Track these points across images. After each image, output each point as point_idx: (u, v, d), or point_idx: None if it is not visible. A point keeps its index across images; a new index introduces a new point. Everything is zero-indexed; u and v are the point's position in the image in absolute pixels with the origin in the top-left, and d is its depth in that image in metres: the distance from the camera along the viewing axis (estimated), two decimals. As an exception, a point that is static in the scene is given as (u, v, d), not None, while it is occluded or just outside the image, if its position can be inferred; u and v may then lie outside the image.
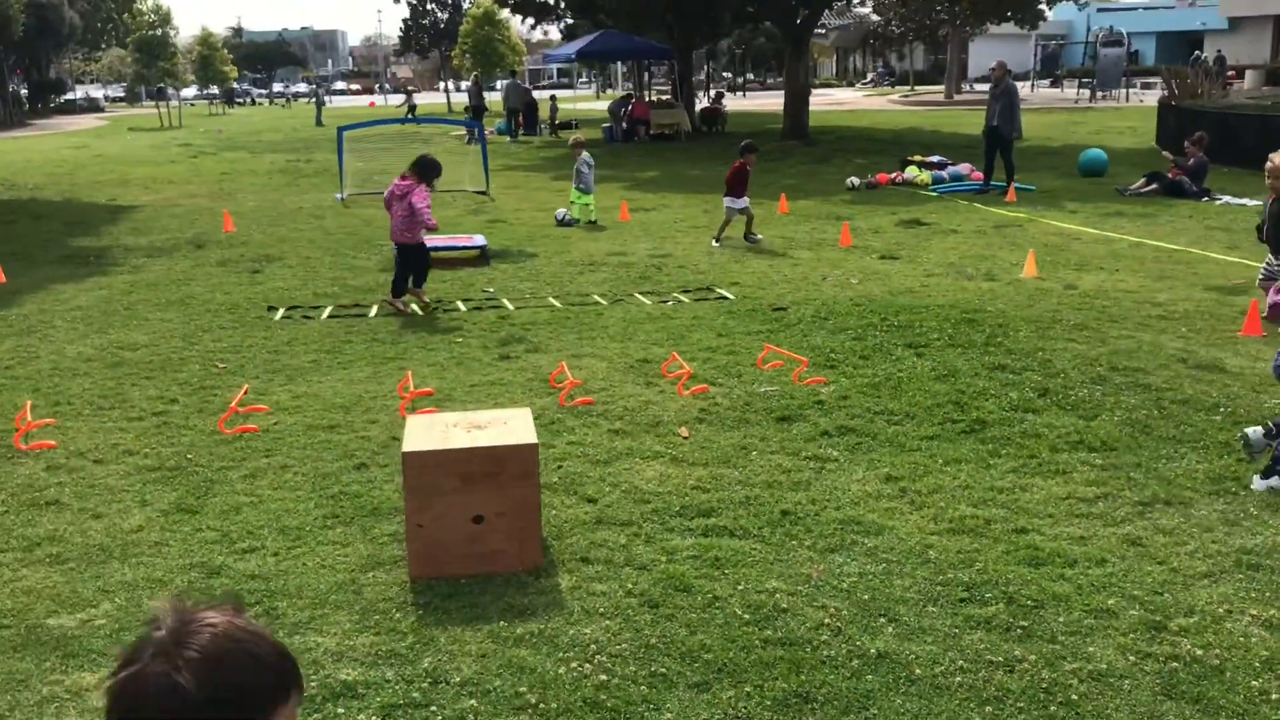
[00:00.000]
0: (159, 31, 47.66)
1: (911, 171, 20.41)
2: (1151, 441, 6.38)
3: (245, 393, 7.47)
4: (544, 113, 35.49)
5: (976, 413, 6.91)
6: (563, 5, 42.06)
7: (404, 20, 57.21)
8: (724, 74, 77.22)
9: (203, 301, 10.93)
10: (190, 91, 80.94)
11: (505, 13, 49.46)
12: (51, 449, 6.65)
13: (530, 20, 45.29)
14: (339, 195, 19.42)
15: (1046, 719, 3.74)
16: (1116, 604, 4.50)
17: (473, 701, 3.87)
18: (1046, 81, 64.12)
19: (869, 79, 76.01)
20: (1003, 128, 18.26)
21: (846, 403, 7.20)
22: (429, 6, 56.39)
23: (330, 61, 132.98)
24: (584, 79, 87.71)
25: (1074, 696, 3.85)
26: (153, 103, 51.73)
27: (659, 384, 7.74)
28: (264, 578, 4.88)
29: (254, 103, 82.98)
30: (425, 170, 10.28)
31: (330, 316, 10.16)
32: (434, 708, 3.84)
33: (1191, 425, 6.63)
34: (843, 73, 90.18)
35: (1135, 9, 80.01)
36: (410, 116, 41.80)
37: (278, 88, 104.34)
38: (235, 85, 71.43)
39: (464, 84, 73.55)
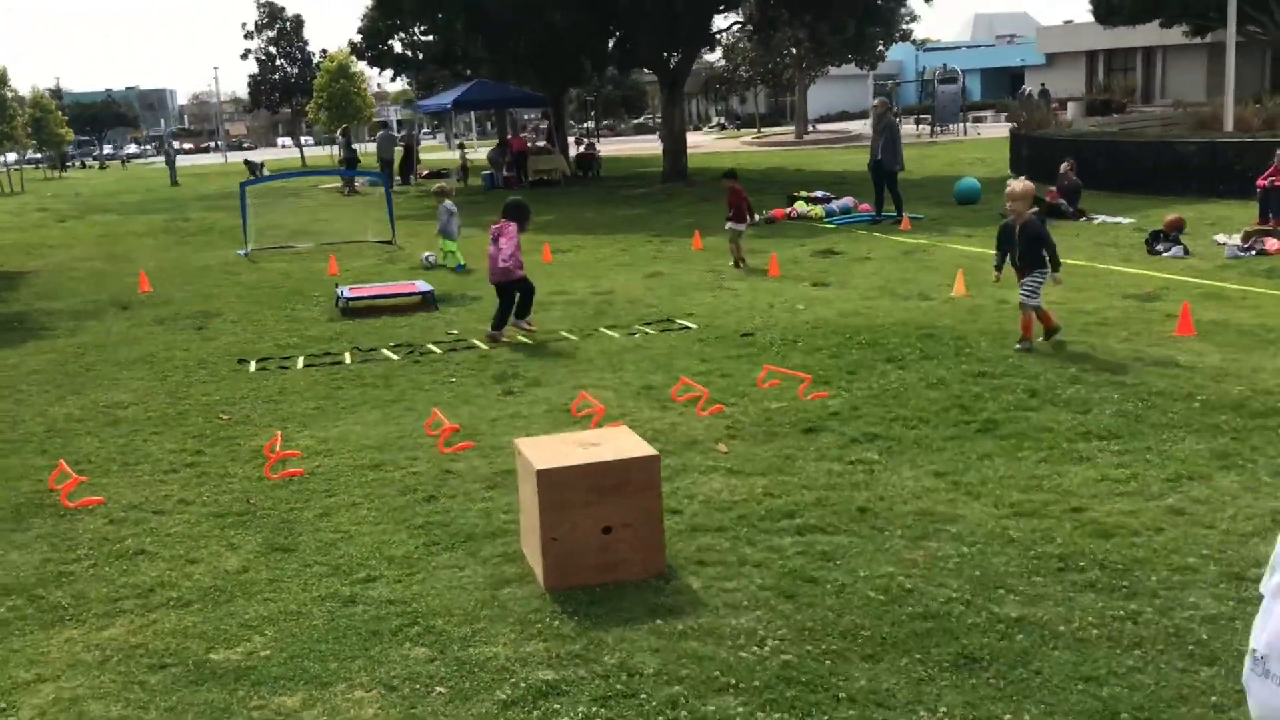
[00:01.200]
0: (-4, 94, 45.91)
1: (803, 206, 21.27)
2: (1149, 429, 7.04)
3: (279, 440, 7.54)
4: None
5: (983, 414, 7.49)
6: (420, 56, 42.27)
7: (251, 76, 56.30)
8: (573, 122, 78.04)
9: (165, 359, 10.83)
10: (10, 156, 77.78)
11: (360, 65, 49.29)
12: (101, 504, 6.64)
13: (389, 72, 45.35)
14: (242, 251, 19.22)
15: (1187, 657, 4.24)
16: (1195, 562, 5.06)
17: (676, 688, 4.17)
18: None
19: (715, 123, 77.92)
20: (886, 161, 19.28)
21: (859, 413, 7.69)
22: (278, 62, 55.65)
23: (162, 121, 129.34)
24: (426, 130, 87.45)
25: (1203, 636, 4.37)
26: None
27: (675, 407, 8.11)
28: (402, 602, 5.06)
29: (83, 165, 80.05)
30: (515, 213, 10.57)
31: (307, 365, 10.21)
32: (643, 695, 4.12)
33: (1175, 413, 7.33)
34: (684, 117, 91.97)
35: (958, 48, 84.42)
36: (258, 176, 41.27)
37: (108, 149, 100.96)
38: (69, 149, 68.88)
39: (305, 139, 72.49)
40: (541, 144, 33.20)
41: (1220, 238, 15.05)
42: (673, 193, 27.17)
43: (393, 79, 45.89)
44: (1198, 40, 56.03)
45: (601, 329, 11.23)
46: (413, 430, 7.89)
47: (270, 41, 55.70)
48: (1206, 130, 24.84)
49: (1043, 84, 65.16)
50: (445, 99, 31.86)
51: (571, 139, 40.73)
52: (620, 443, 5.38)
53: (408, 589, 5.21)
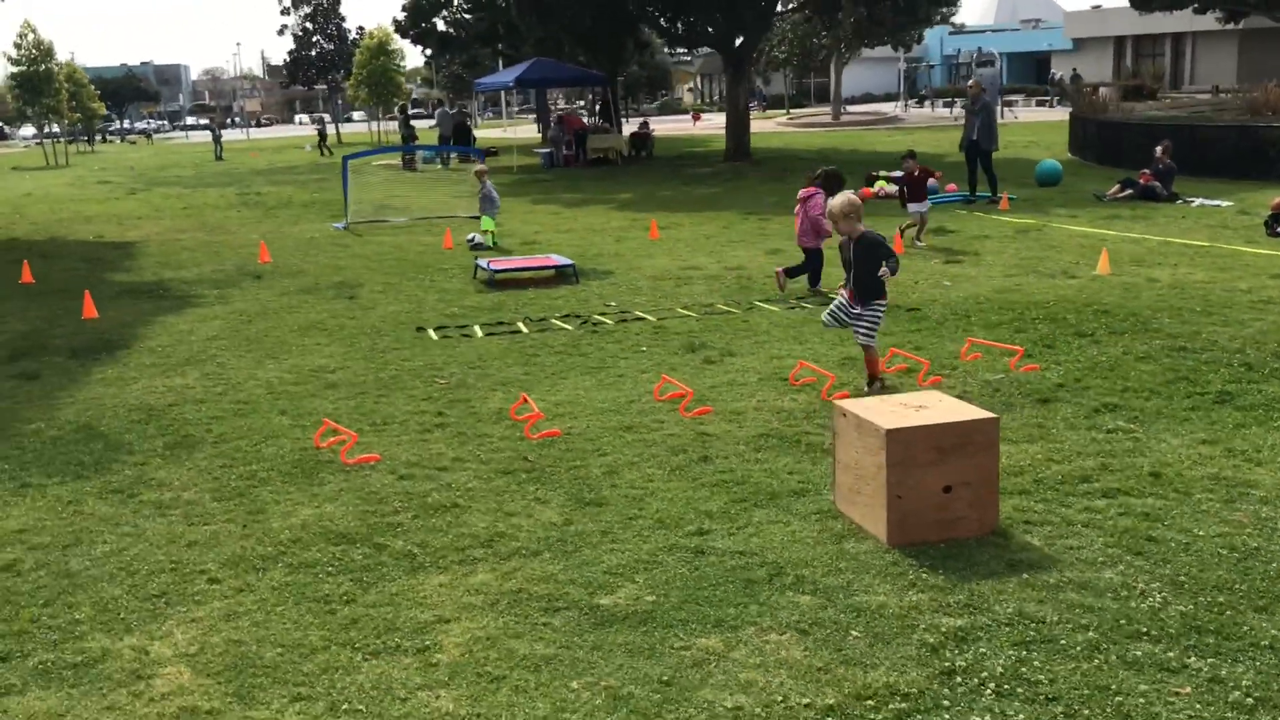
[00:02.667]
0: (41, 67, 45.88)
1: (887, 186, 21.38)
2: (1385, 401, 7.21)
3: (525, 400, 7.72)
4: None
5: (1211, 386, 7.66)
6: (465, 35, 42.32)
7: (289, 52, 56.34)
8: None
9: (337, 327, 10.99)
10: (28, 130, 77.75)
11: (400, 43, 49.36)
12: (378, 460, 6.82)
13: (429, 51, 45.41)
14: (340, 224, 19.37)
15: None
16: None
17: (1090, 634, 4.35)
18: (913, 102, 66.84)
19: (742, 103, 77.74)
20: (983, 141, 19.41)
21: (1084, 385, 7.85)
22: (314, 39, 55.66)
23: (181, 96, 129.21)
24: (450, 109, 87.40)
25: None
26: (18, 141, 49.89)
27: (890, 378, 8.27)
28: (752, 553, 5.25)
29: (104, 140, 79.95)
30: (828, 180, 10.94)
31: (487, 335, 10.38)
32: (1061, 641, 4.31)
33: (1402, 387, 7.50)
34: (708, 98, 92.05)
35: (984, 31, 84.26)
36: (323, 148, 41.38)
37: (129, 124, 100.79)
38: (99, 123, 68.91)
39: (321, 116, 72.36)
40: (602, 123, 33.21)
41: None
42: (740, 171, 27.28)
43: (432, 57, 45.77)
44: (1230, 26, 56.01)
45: (757, 303, 11.38)
46: (640, 395, 8.06)
47: (307, 17, 55.61)
48: (1260, 115, 24.87)
49: (1074, 69, 65.16)
50: (507, 77, 31.94)
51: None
52: (948, 405, 5.55)
53: (747, 542, 5.39)
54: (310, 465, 6.81)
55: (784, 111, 65.55)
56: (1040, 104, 62.59)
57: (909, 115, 57.07)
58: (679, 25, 31.00)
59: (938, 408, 5.49)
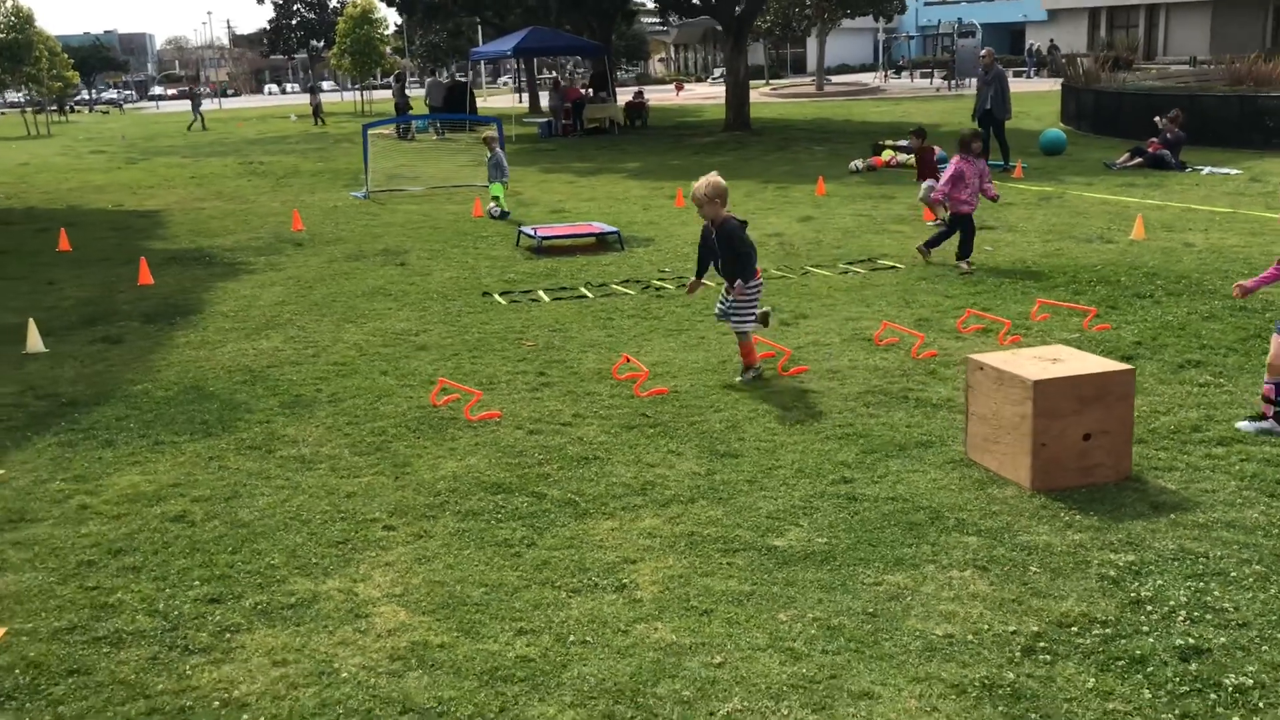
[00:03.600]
0: (21, 35, 45.26)
1: (895, 154, 21.66)
2: None
3: (626, 360, 7.94)
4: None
5: (1284, 343, 7.97)
6: (453, 4, 42.10)
7: (269, 21, 55.82)
8: (580, 72, 77.86)
9: (401, 293, 11.15)
10: (15, 97, 76.66)
11: (382, 10, 49.04)
12: (499, 417, 7.03)
13: (412, 19, 45.14)
14: (360, 193, 19.44)
15: None
16: None
17: (1257, 566, 4.65)
18: (891, 73, 67.10)
19: (718, 74, 77.75)
20: (997, 111, 19.71)
21: (1160, 342, 8.16)
22: (295, 7, 55.18)
23: (148, 65, 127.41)
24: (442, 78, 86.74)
25: None
26: None
27: (967, 338, 8.55)
28: (904, 499, 5.52)
29: (74, 110, 78.77)
30: (961, 142, 11.24)
31: (554, 300, 10.57)
32: (1231, 574, 4.60)
33: None
34: (683, 68, 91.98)
35: (959, 2, 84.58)
36: (319, 118, 41.12)
37: (96, 94, 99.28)
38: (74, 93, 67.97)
39: (287, 86, 71.44)
40: (600, 93, 33.27)
41: (1353, 188, 15.58)
42: (743, 141, 27.46)
43: (422, 25, 45.50)
44: (1204, -1, 56.65)
45: (809, 268, 11.62)
46: (730, 355, 8.29)
47: (287, -15, 55.13)
48: (1243, 85, 25.28)
49: (1051, 40, 65.68)
50: (505, 45, 31.90)
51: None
52: (1081, 358, 5.83)
53: (893, 489, 5.65)
54: (435, 422, 7.01)
55: (764, 82, 65.63)
56: (1018, 74, 62.93)
57: (890, 86, 57.32)
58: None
59: (1072, 360, 5.76)
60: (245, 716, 3.86)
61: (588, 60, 38.34)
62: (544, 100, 41.61)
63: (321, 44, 55.85)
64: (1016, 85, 51.83)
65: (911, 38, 71.14)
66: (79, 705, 3.97)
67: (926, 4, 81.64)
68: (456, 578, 4.87)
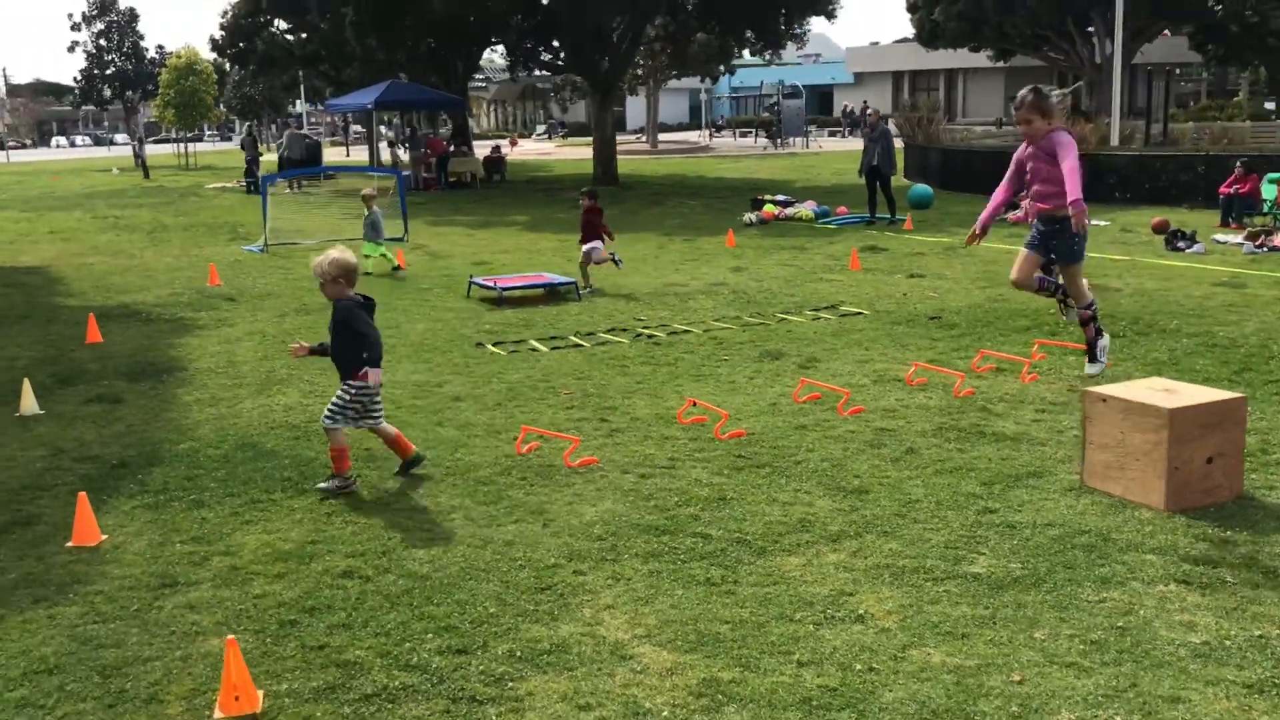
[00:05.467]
0: None
1: (774, 209, 22.44)
2: None
3: (692, 404, 8.07)
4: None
5: (1278, 371, 8.75)
6: (295, 54, 41.41)
7: (81, 71, 53.36)
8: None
9: (389, 345, 10.91)
10: None
11: (208, 60, 47.76)
12: (597, 463, 7.06)
13: (251, 69, 44.15)
14: (256, 247, 18.90)
15: None
16: None
17: None
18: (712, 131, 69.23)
19: (542, 130, 78.55)
20: (883, 166, 20.73)
21: (1165, 376, 8.81)
22: (108, 56, 52.96)
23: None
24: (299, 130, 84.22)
25: None
26: None
27: (989, 376, 9.04)
28: (1055, 524, 5.84)
29: None
30: None
31: (553, 349, 10.59)
32: (1402, 575, 5.09)
33: None
34: (504, 124, 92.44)
35: (768, 64, 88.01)
36: (145, 170, 39.56)
37: None
38: None
39: (81, 137, 68.54)
40: (461, 147, 33.18)
41: (1219, 237, 17.08)
42: (617, 196, 27.88)
43: (256, 77, 44.45)
44: (1000, 64, 60.82)
45: (780, 315, 11.99)
46: (777, 397, 8.52)
47: (100, 34, 52.91)
48: None
49: (865, 101, 68.95)
50: (364, 99, 31.49)
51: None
52: (1186, 388, 6.32)
53: (1038, 515, 5.97)
54: (534, 469, 6.97)
55: (589, 139, 66.57)
56: (832, 134, 65.95)
57: (716, 144, 59.12)
58: (541, 50, 31.38)
59: (1183, 390, 6.24)
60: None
61: (444, 114, 38.11)
62: (386, 154, 41.22)
63: (138, 94, 53.71)
64: (838, 145, 54.34)
65: (720, 99, 73.59)
66: (421, 760, 3.85)
67: (736, 66, 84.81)
68: (688, 617, 4.90)
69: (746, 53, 46.70)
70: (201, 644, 4.77)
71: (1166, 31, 53.12)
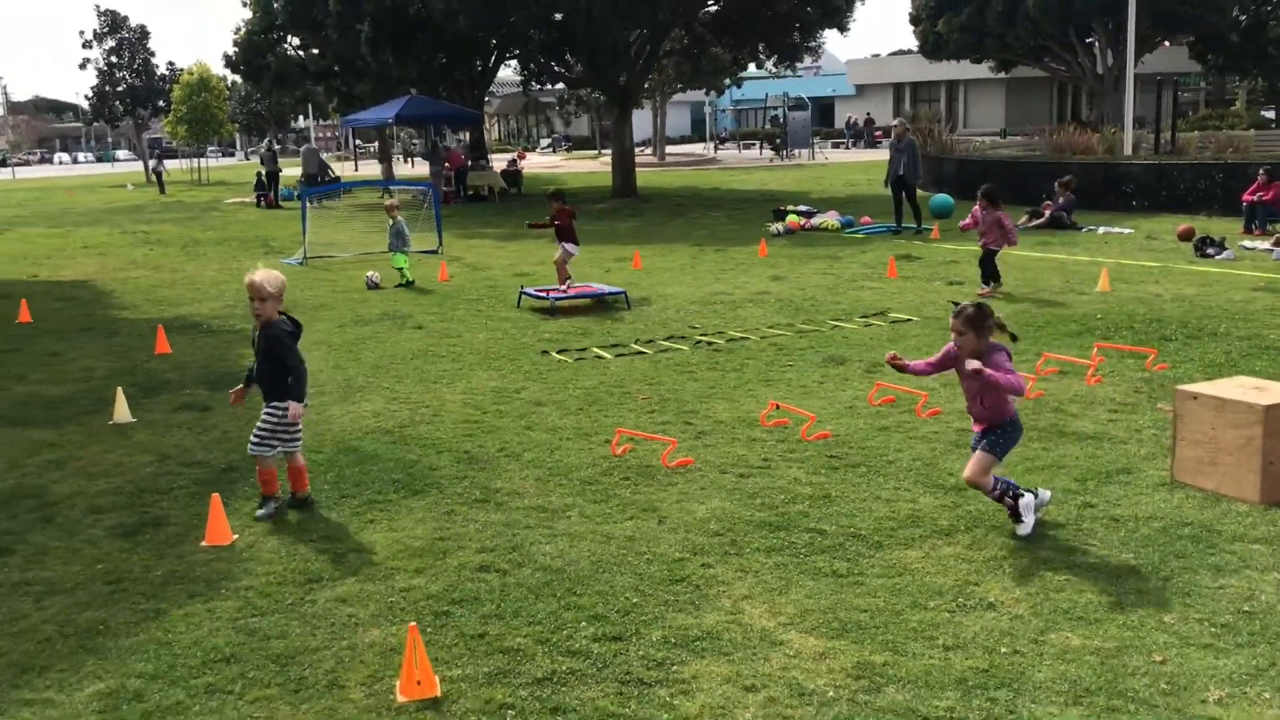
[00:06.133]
0: None
1: (801, 219, 22.71)
2: None
3: (775, 406, 8.31)
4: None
5: (1335, 375, 8.99)
6: (309, 70, 41.65)
7: (92, 88, 53.67)
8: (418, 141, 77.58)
9: (455, 354, 11.17)
10: None
11: (220, 77, 48.05)
12: (692, 464, 7.28)
13: (264, 84, 44.39)
14: (293, 260, 19.13)
15: None
16: None
17: None
18: (716, 144, 69.60)
19: (547, 144, 78.90)
20: (909, 176, 21.00)
21: (1241, 368, 9.06)
22: (119, 74, 53.24)
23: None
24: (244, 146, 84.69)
25: None
26: None
27: (1056, 379, 9.28)
28: (1159, 517, 6.07)
29: None
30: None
31: (617, 355, 10.82)
32: None
33: None
34: (507, 138, 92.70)
35: (767, 78, 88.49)
36: (162, 186, 39.79)
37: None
38: None
39: (81, 153, 68.76)
40: (479, 159, 33.47)
41: (1246, 244, 17.35)
42: (638, 209, 28.14)
43: (268, 94, 44.74)
44: (1001, 75, 61.31)
45: (831, 322, 12.22)
46: (851, 400, 8.76)
47: (111, 51, 53.20)
48: (1063, 153, 27.75)
49: (868, 114, 69.45)
50: (385, 113, 31.77)
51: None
52: (1274, 385, 6.55)
53: (1139, 509, 6.20)
54: (634, 469, 7.19)
55: (595, 153, 66.90)
56: (836, 146, 66.32)
57: (722, 156, 59.46)
58: (556, 65, 31.68)
59: (1270, 388, 6.48)
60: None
61: (464, 127, 38.42)
62: (393, 167, 41.48)
63: (148, 111, 53.98)
64: (844, 156, 54.68)
65: (723, 111, 74.01)
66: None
67: (741, 78, 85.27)
68: (825, 606, 5.12)
69: (752, 65, 47.10)
70: (363, 635, 4.98)
71: (1166, 42, 53.48)
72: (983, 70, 59.63)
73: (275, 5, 38.81)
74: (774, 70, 48.51)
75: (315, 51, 42.24)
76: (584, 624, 5.00)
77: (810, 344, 11.04)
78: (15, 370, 11.07)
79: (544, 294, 13.50)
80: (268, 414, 6.56)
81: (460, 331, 12.32)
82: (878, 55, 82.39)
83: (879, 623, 4.93)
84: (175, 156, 62.13)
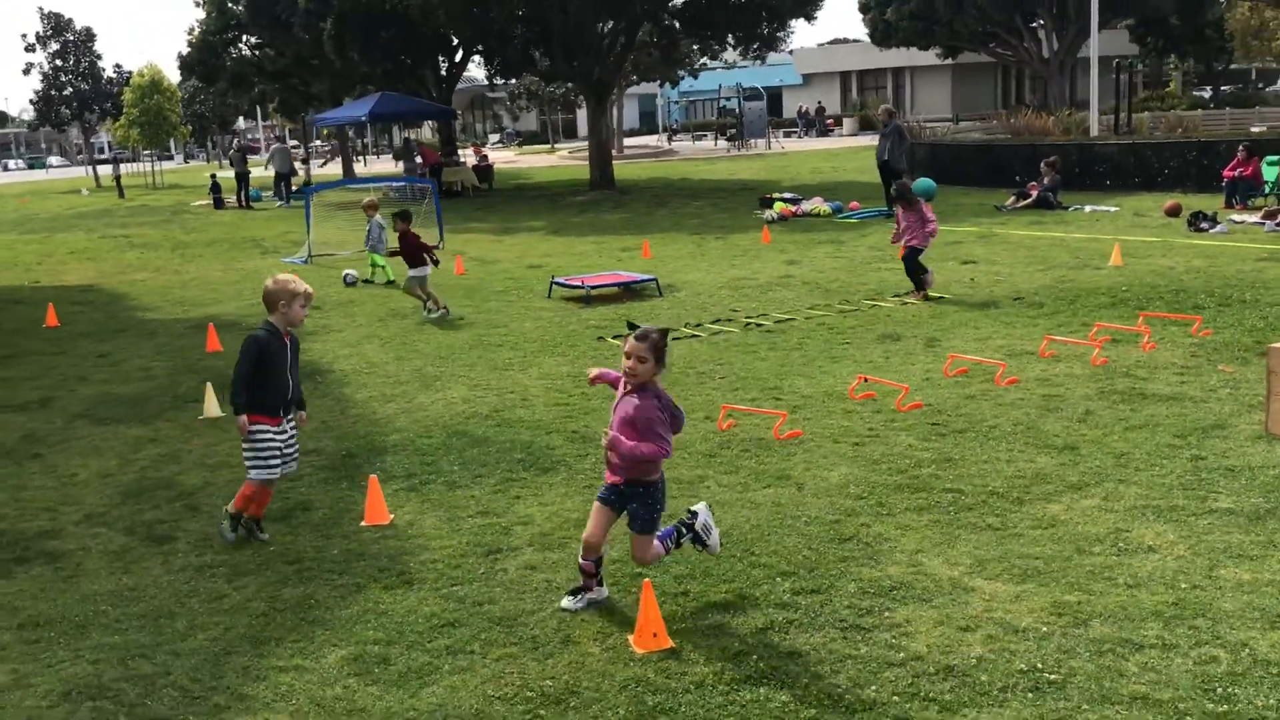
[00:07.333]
0: None
1: (787, 206, 23.07)
2: None
3: (862, 380, 8.64)
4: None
5: (1374, 335, 9.50)
6: (270, 70, 41.36)
7: (36, 92, 52.74)
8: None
9: (509, 342, 11.38)
10: None
11: (173, 79, 47.57)
12: (800, 435, 7.58)
13: (221, 85, 44.02)
14: (297, 259, 19.16)
15: None
16: None
17: None
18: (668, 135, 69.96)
19: (496, 139, 78.78)
20: (894, 161, 21.45)
21: (1276, 331, 9.54)
22: (63, 78, 52.39)
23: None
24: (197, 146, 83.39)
25: None
26: None
27: (1109, 347, 9.71)
28: (1268, 467, 6.47)
29: None
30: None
31: (673, 339, 11.06)
32: None
33: None
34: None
35: (716, 69, 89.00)
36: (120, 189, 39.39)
37: None
38: None
39: (58, 161, 67.76)
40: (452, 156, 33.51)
41: (1236, 217, 17.99)
42: (619, 200, 28.38)
43: (224, 94, 44.33)
44: (947, 62, 62.30)
45: (864, 301, 12.58)
46: (927, 372, 9.11)
47: (56, 55, 52.34)
48: (1020, 136, 28.55)
49: (819, 102, 70.19)
50: (357, 111, 31.70)
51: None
52: (1361, 340, 6.99)
53: (1246, 459, 6.60)
54: (748, 442, 7.48)
55: (549, 147, 66.96)
56: (789, 135, 66.90)
57: (678, 148, 59.81)
58: (528, 59, 31.78)
59: (1356, 343, 6.91)
60: (1016, 664, 4.36)
61: (435, 123, 38.37)
62: (352, 167, 41.31)
63: (95, 115, 53.19)
64: (798, 144, 55.20)
65: (677, 103, 74.39)
66: (845, 672, 4.36)
67: (695, 71, 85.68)
68: (996, 555, 5.45)
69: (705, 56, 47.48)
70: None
71: (1118, 25, 54.72)
72: (929, 57, 60.59)
73: (231, 5, 38.55)
74: (728, 62, 48.99)
75: (270, 51, 41.92)
76: (777, 579, 5.28)
77: (858, 323, 11.37)
78: (73, 372, 11.10)
79: (577, 283, 13.71)
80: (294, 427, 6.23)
81: (504, 322, 12.51)
82: (823, 45, 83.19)
83: (1055, 568, 5.26)
84: (105, 162, 61.19)
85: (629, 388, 4.99)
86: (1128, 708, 4.05)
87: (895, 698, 4.21)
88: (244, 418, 5.98)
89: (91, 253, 22.59)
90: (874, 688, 4.29)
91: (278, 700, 4.44)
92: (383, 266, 16.15)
